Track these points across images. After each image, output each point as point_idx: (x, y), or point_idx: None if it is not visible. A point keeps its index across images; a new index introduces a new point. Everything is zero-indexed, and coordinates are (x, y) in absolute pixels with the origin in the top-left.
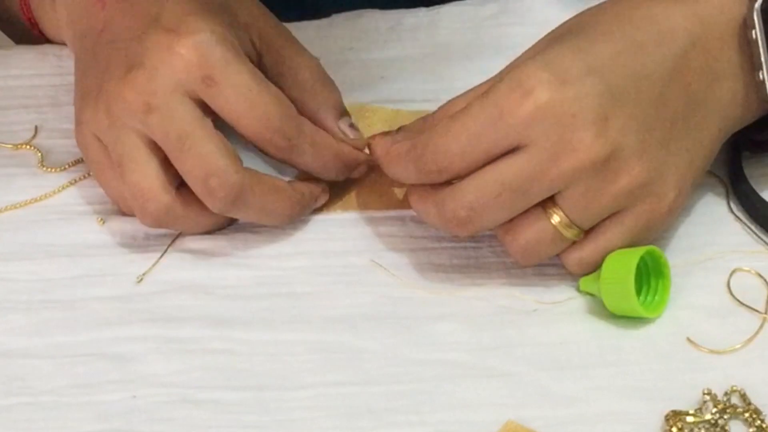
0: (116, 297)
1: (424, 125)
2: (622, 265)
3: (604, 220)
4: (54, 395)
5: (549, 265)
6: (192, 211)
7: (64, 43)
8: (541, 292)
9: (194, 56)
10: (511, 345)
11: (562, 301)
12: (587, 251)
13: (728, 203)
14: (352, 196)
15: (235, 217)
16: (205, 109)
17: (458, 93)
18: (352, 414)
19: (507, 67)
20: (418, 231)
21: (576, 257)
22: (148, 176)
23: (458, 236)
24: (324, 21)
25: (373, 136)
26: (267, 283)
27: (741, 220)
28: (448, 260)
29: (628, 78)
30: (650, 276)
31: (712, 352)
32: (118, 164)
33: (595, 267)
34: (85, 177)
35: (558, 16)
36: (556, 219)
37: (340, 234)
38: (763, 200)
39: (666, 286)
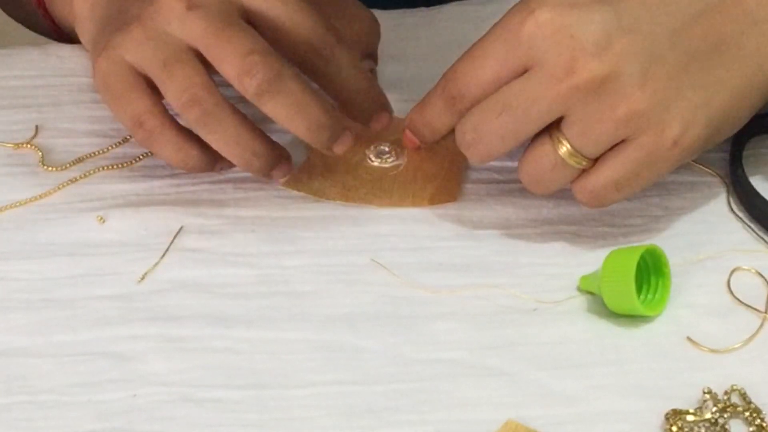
0: (116, 296)
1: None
2: (622, 264)
3: (608, 150)
4: (54, 394)
5: (549, 265)
6: (227, 110)
7: (71, 33)
8: (540, 291)
9: None
10: (511, 344)
11: (561, 301)
12: (592, 181)
13: (728, 202)
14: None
15: (265, 108)
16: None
17: None
18: (352, 413)
19: None
20: (418, 230)
21: (582, 186)
22: (199, 72)
23: (476, 164)
24: None
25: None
26: (267, 282)
27: (741, 218)
28: (448, 259)
29: (644, 10)
30: (650, 274)
31: (712, 351)
32: (161, 68)
33: (602, 199)
34: (85, 176)
35: None
36: (561, 148)
37: (341, 233)
38: (763, 198)
39: (666, 284)
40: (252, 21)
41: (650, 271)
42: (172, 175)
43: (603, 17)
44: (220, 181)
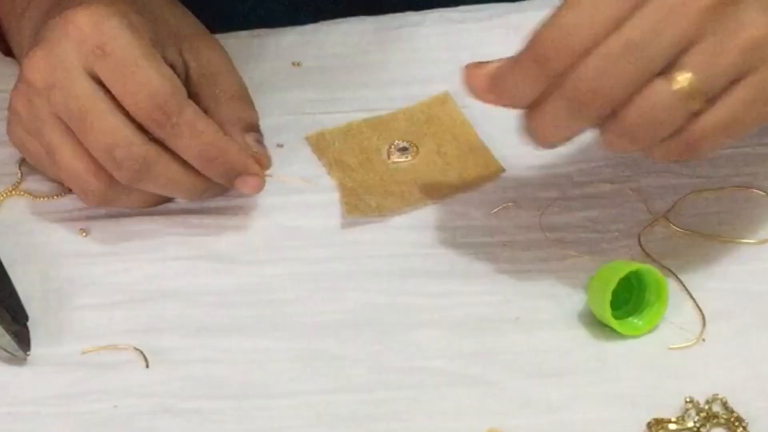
0: (97, 306)
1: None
2: (609, 276)
3: (724, 91)
4: (34, 405)
5: (532, 272)
6: (119, 188)
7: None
8: (523, 299)
9: (88, 26)
10: (494, 352)
11: (544, 309)
12: (701, 124)
13: None
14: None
15: (144, 189)
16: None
17: None
18: (334, 422)
19: None
20: (399, 237)
21: (688, 134)
22: (69, 162)
23: (586, 120)
24: (308, 27)
25: (468, 65)
26: (249, 291)
27: None
28: (430, 266)
29: None
30: (649, 294)
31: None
32: (46, 151)
33: (704, 146)
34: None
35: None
36: (679, 84)
37: (323, 240)
38: None
39: (659, 310)
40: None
41: (650, 291)
42: None
43: None
44: None
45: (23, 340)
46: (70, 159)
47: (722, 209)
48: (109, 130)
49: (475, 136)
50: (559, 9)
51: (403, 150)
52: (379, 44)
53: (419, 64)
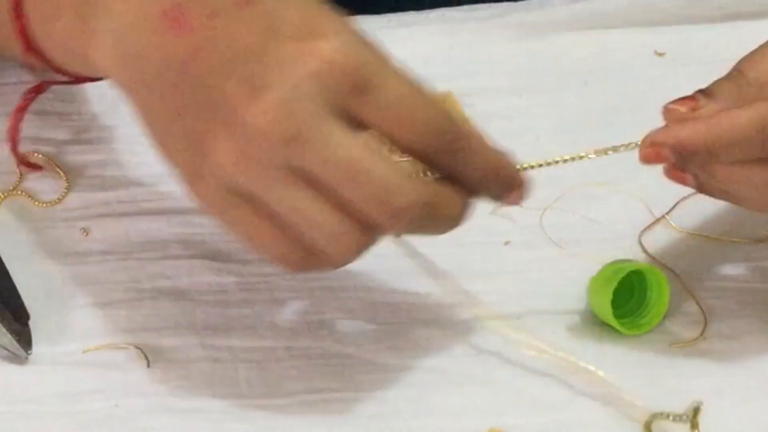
0: (98, 305)
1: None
2: (612, 273)
3: None
4: (35, 404)
5: (533, 272)
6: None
7: (92, 78)
8: (523, 299)
9: (340, 62)
10: (494, 352)
11: (544, 309)
12: None
13: None
14: None
15: (421, 234)
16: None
17: None
18: (334, 421)
19: None
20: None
21: None
22: (327, 221)
23: None
24: None
25: (672, 103)
26: (249, 289)
27: None
28: (430, 266)
29: None
30: (650, 295)
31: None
32: (279, 218)
33: None
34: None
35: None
36: None
37: None
38: None
39: (660, 310)
40: (360, 123)
41: (651, 291)
42: (154, 184)
43: None
44: None
45: (24, 339)
46: (325, 220)
47: (722, 209)
48: (382, 176)
49: None
50: None
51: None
52: (380, 43)
53: (420, 63)
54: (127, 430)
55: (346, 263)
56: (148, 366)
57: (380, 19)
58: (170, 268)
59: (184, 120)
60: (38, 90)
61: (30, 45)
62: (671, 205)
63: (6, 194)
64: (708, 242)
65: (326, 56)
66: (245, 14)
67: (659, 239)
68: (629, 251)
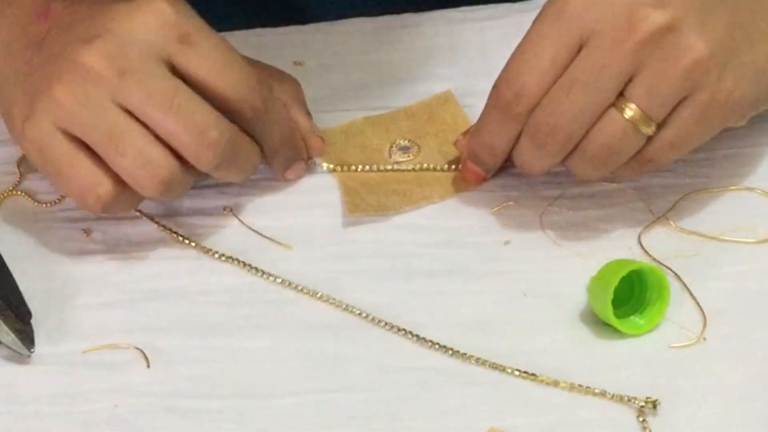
0: (98, 305)
1: None
2: (612, 272)
3: (672, 111)
4: (35, 404)
5: (532, 272)
6: (189, 175)
7: None
8: (523, 299)
9: (172, 15)
10: (494, 352)
11: (544, 308)
12: (653, 146)
13: None
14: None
15: (221, 174)
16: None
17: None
18: (334, 421)
19: None
20: (401, 236)
21: (643, 155)
22: (148, 144)
23: (552, 154)
24: (309, 26)
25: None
26: (249, 290)
27: None
28: (430, 266)
29: None
30: (651, 293)
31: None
32: (107, 141)
33: (657, 163)
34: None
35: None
36: (629, 113)
37: (323, 240)
38: None
39: (660, 309)
40: (179, 72)
41: (651, 290)
42: None
43: None
44: (202, 188)
45: (27, 338)
46: (141, 145)
47: (722, 209)
48: (200, 112)
49: None
50: (510, 58)
51: (405, 149)
52: (380, 44)
53: (420, 63)
54: (128, 430)
55: (156, 193)
56: (148, 366)
57: (380, 20)
58: (170, 269)
59: (32, 77)
60: None
61: None
62: (671, 205)
63: (6, 194)
64: (708, 242)
65: (156, 10)
66: None
67: (659, 239)
68: (629, 251)
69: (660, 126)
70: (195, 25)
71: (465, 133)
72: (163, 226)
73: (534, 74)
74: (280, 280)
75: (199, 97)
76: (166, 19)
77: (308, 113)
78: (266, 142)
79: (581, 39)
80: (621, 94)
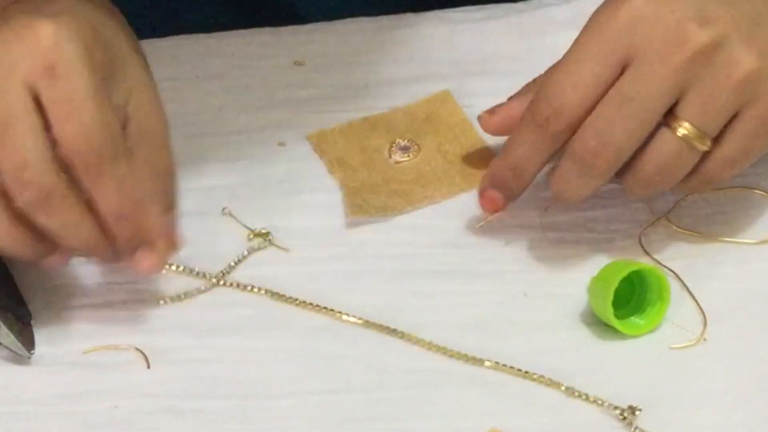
0: (98, 305)
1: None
2: (612, 273)
3: (726, 126)
4: (35, 405)
5: (533, 272)
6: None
7: None
8: (523, 299)
9: (47, 40)
10: (495, 352)
11: (544, 309)
12: (710, 163)
13: None
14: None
15: (36, 220)
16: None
17: None
18: (335, 422)
19: None
20: (402, 237)
21: (700, 172)
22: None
23: (598, 177)
24: (308, 26)
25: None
26: (249, 291)
27: None
28: (431, 266)
29: None
30: (651, 294)
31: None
32: None
33: (716, 180)
34: None
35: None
36: (682, 131)
37: (324, 241)
38: None
39: (660, 310)
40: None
41: (651, 291)
42: None
43: None
44: (201, 188)
45: (27, 339)
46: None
47: (722, 209)
48: (26, 148)
49: (476, 135)
50: (549, 74)
51: (405, 149)
52: (379, 44)
53: (420, 64)
54: (127, 430)
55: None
56: (148, 367)
57: (380, 19)
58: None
59: None
60: None
61: None
62: (671, 205)
63: None
64: (708, 242)
65: (33, 35)
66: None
67: (659, 239)
68: (629, 251)
69: (716, 144)
70: (68, 58)
71: (489, 111)
72: None
73: (577, 91)
74: (280, 281)
75: (37, 133)
76: (37, 46)
77: (173, 182)
78: (101, 207)
79: (626, 57)
80: (669, 113)
